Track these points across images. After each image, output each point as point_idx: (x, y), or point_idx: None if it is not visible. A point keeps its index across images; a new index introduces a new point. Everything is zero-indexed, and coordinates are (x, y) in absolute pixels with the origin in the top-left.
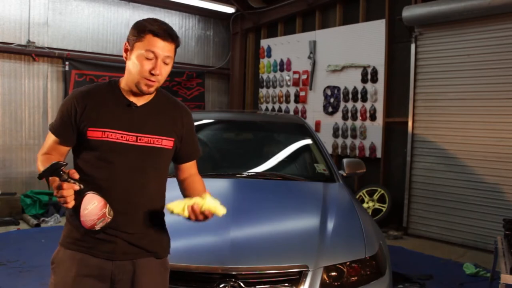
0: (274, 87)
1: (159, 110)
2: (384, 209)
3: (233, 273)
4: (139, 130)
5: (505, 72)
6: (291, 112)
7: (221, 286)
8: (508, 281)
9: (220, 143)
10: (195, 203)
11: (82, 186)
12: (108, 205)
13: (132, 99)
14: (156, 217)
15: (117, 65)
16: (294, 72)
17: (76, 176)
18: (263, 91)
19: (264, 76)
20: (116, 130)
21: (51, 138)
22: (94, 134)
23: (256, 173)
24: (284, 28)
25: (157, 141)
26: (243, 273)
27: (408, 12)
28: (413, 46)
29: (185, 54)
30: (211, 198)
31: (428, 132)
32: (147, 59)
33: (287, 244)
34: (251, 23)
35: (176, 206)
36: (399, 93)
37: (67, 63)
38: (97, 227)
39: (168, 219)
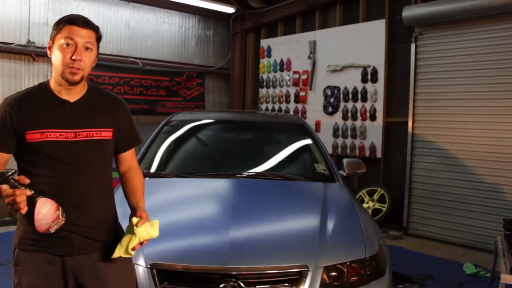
0: (274, 87)
1: (93, 103)
2: (384, 209)
3: (233, 273)
4: (77, 126)
5: (505, 72)
6: (291, 112)
7: (221, 286)
8: (508, 281)
9: (220, 143)
10: (132, 242)
11: (33, 191)
12: (60, 208)
13: (65, 96)
14: (108, 209)
15: (117, 65)
16: (294, 72)
17: (27, 181)
18: (263, 91)
19: (264, 76)
20: (54, 129)
21: None
22: (33, 136)
23: (256, 173)
24: (284, 28)
25: (95, 133)
26: (243, 273)
27: (408, 12)
28: (413, 46)
29: (185, 54)
30: (142, 227)
31: (428, 132)
32: (68, 46)
33: (287, 244)
34: (251, 23)
35: (119, 252)
36: (399, 93)
37: None
38: (52, 230)
39: (168, 219)
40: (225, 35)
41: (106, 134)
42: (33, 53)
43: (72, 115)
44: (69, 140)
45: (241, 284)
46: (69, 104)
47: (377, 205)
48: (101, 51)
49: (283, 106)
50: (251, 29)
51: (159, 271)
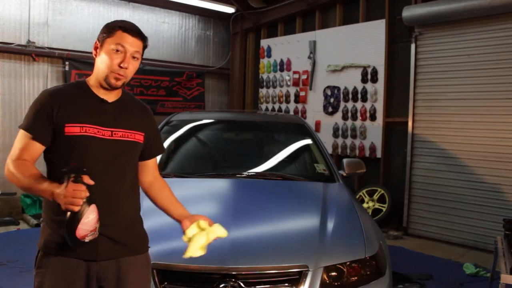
0: (274, 87)
1: (127, 107)
2: (384, 209)
3: (233, 273)
4: (113, 125)
5: (505, 72)
6: (291, 112)
7: (221, 286)
8: (508, 281)
9: (220, 143)
10: (208, 238)
11: (88, 194)
12: (99, 222)
13: (103, 96)
14: (134, 211)
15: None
16: (294, 72)
17: (91, 182)
18: (263, 91)
19: (264, 76)
20: (92, 125)
21: (24, 139)
22: (72, 129)
23: (256, 173)
24: (284, 28)
25: (130, 135)
26: (243, 273)
27: (408, 12)
28: (413, 46)
29: (185, 54)
30: (215, 225)
31: (428, 132)
32: (117, 52)
33: (287, 244)
34: (251, 23)
35: (191, 251)
36: (399, 93)
37: (67, 63)
38: (87, 239)
39: (168, 219)
40: (225, 35)
41: (139, 137)
42: (33, 53)
43: (109, 115)
44: (105, 138)
45: (241, 284)
46: (107, 103)
47: (377, 205)
48: None
49: (283, 106)
50: (251, 29)
51: (159, 271)
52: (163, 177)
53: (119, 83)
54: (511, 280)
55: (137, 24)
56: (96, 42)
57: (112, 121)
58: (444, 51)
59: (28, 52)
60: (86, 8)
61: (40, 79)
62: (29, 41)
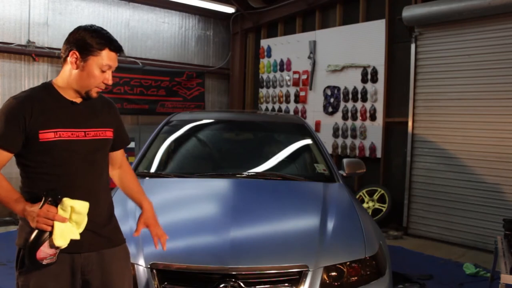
0: (274, 87)
1: (94, 105)
2: (384, 209)
3: (233, 273)
4: (85, 126)
5: (505, 72)
6: (291, 112)
7: (221, 286)
8: (508, 281)
9: (220, 143)
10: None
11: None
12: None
13: (72, 98)
14: (110, 205)
15: (117, 65)
16: (294, 72)
17: (65, 219)
18: (263, 91)
19: (264, 76)
20: (66, 129)
21: None
22: (46, 135)
23: (256, 173)
24: (284, 28)
25: (101, 133)
26: (243, 273)
27: (408, 12)
28: (413, 46)
29: (185, 54)
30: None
31: (428, 132)
32: (103, 71)
33: (287, 244)
34: (251, 23)
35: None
36: (399, 93)
37: None
38: (44, 262)
39: (168, 219)
40: (225, 35)
41: (109, 133)
42: (33, 53)
43: (80, 116)
44: (79, 139)
45: (241, 284)
46: (77, 105)
47: (377, 205)
48: None
49: (283, 106)
50: (251, 29)
51: (159, 271)
52: (164, 177)
53: (98, 95)
54: (511, 280)
55: (137, 24)
56: (74, 53)
57: (83, 122)
58: (444, 51)
59: (28, 52)
60: (86, 8)
61: (40, 79)
62: (29, 41)
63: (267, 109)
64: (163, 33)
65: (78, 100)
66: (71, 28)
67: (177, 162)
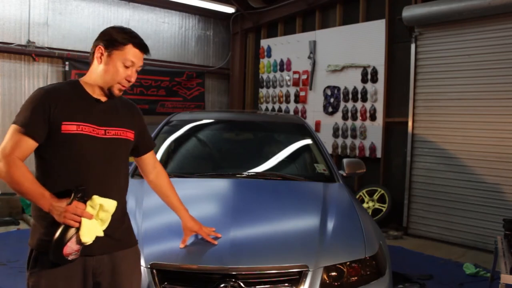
0: (274, 87)
1: (118, 106)
2: (384, 209)
3: (233, 273)
4: (107, 124)
5: (505, 72)
6: (291, 112)
7: (221, 286)
8: (508, 281)
9: (220, 143)
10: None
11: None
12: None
13: (97, 96)
14: (124, 207)
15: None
16: (294, 72)
17: (90, 216)
18: (263, 91)
19: (264, 76)
20: (88, 124)
21: (17, 135)
22: (69, 127)
23: (256, 173)
24: (284, 28)
25: (122, 133)
26: (243, 273)
27: (408, 12)
28: (413, 46)
29: (185, 54)
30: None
31: (428, 132)
32: (126, 67)
33: (287, 244)
34: (251, 23)
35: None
36: (399, 93)
37: (67, 63)
38: (70, 258)
39: (168, 219)
40: (225, 35)
41: (130, 135)
42: (33, 53)
43: (103, 114)
44: (99, 137)
45: (241, 284)
46: (101, 103)
47: (377, 205)
48: None
49: (283, 106)
50: (251, 29)
51: (159, 271)
52: None
53: (121, 93)
54: (511, 280)
55: (137, 24)
56: (99, 48)
57: (105, 120)
58: (444, 51)
59: (28, 52)
60: (86, 8)
61: (40, 79)
62: (29, 41)
63: (267, 109)
64: (163, 33)
65: (103, 98)
66: (71, 28)
67: (177, 162)
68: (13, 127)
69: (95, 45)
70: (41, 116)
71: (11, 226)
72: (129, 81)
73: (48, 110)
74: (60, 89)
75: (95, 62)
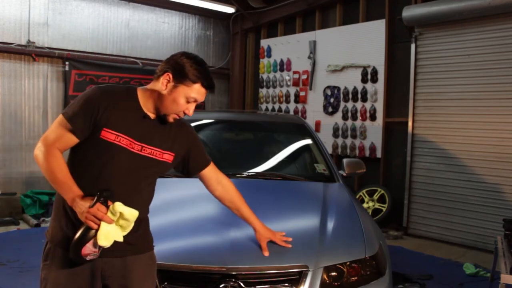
0: (274, 87)
1: (165, 126)
2: (384, 209)
3: (233, 273)
4: (146, 141)
5: (505, 72)
6: (291, 112)
7: (221, 286)
8: (508, 281)
9: (220, 143)
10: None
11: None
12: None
13: (147, 111)
14: (144, 220)
15: (117, 65)
16: (294, 72)
17: (110, 221)
18: (263, 91)
19: (264, 76)
20: (127, 137)
21: (62, 128)
22: (108, 135)
23: (256, 173)
24: (284, 28)
25: (159, 154)
26: (243, 273)
27: (408, 12)
28: (413, 46)
29: None
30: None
31: (428, 132)
32: (188, 102)
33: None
34: (251, 23)
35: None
36: (399, 93)
37: (67, 63)
38: (88, 258)
39: (168, 219)
40: (225, 35)
41: (167, 157)
42: (33, 53)
43: (146, 131)
44: (134, 151)
45: (241, 284)
46: (149, 120)
47: (377, 205)
48: (101, 51)
49: (283, 106)
50: (251, 29)
51: (159, 271)
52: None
53: (173, 121)
54: (511, 280)
55: (137, 24)
56: (168, 74)
57: (146, 137)
58: (444, 51)
59: (28, 52)
60: (86, 8)
61: (40, 79)
62: (29, 41)
63: (267, 109)
64: (163, 33)
65: (152, 116)
66: (71, 28)
67: None
68: (61, 118)
69: (164, 69)
70: (89, 116)
71: (11, 226)
72: (185, 114)
73: (97, 112)
74: (116, 93)
75: (159, 84)
